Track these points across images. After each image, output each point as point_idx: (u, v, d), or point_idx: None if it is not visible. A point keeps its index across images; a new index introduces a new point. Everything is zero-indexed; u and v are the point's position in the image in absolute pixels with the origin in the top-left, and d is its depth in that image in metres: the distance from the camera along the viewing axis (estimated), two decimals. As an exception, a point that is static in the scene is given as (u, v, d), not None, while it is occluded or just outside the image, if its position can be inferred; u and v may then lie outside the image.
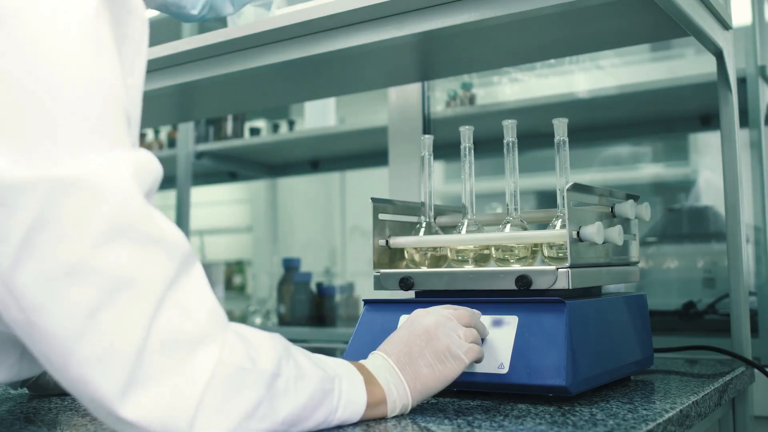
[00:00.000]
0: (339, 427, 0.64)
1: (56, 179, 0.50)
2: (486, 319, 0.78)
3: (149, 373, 0.51)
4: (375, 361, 0.69)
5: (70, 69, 0.52)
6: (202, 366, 0.53)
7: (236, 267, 3.15)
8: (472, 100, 1.95)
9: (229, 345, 0.55)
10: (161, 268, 0.52)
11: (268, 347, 0.59)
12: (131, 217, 0.52)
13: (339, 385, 0.63)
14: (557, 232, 0.82)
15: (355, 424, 0.65)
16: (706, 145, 2.04)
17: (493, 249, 0.87)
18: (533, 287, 0.78)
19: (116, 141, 0.53)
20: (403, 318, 0.83)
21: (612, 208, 0.89)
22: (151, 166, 0.55)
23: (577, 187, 0.80)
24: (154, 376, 0.51)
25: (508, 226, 0.87)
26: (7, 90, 0.51)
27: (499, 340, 0.76)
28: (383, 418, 0.67)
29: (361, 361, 0.69)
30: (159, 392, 0.51)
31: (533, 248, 0.85)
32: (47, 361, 0.51)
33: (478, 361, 0.73)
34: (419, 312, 0.74)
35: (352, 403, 0.64)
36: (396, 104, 1.56)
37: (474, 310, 0.76)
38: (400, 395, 0.67)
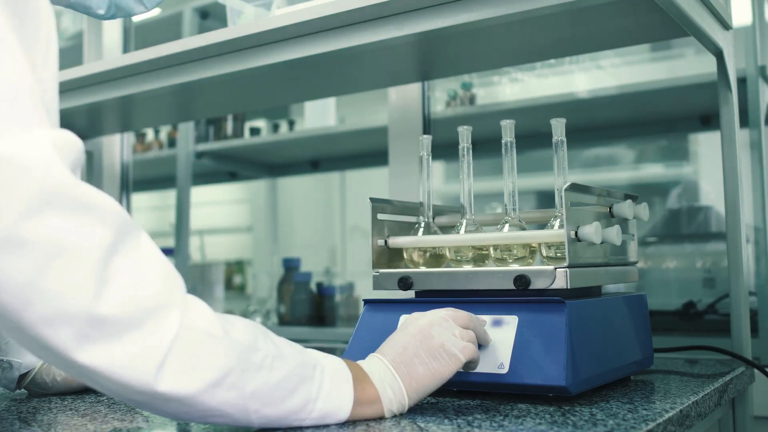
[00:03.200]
0: (322, 425, 0.63)
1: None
2: (486, 319, 0.78)
3: (105, 332, 0.52)
4: (371, 362, 0.70)
5: None
6: (165, 327, 0.54)
7: (236, 267, 3.15)
8: (472, 100, 1.95)
9: (194, 311, 0.56)
10: (97, 235, 0.53)
11: (243, 324, 0.60)
12: (58, 187, 0.52)
13: (321, 374, 0.63)
14: (555, 232, 0.82)
15: (351, 424, 0.65)
16: (707, 145, 2.04)
17: (491, 249, 0.87)
18: (531, 287, 0.78)
19: (34, 122, 0.54)
20: (403, 318, 0.83)
21: (610, 208, 0.89)
22: (73, 142, 0.55)
23: (575, 187, 0.80)
24: (112, 335, 0.52)
25: (507, 226, 0.87)
26: None
27: (499, 340, 0.76)
28: (381, 418, 0.67)
29: (358, 362, 0.69)
30: (119, 347, 0.52)
31: (531, 248, 0.86)
32: (3, 326, 0.52)
33: (473, 363, 0.73)
34: (415, 314, 0.74)
35: (335, 397, 0.64)
36: (396, 104, 1.56)
37: (477, 316, 0.76)
38: (395, 394, 0.67)
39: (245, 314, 2.31)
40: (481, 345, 0.76)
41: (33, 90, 0.55)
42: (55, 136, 0.54)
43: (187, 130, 2.34)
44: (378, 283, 0.89)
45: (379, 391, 0.67)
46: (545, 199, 2.08)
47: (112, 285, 0.53)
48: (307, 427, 0.63)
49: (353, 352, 0.84)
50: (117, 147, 1.90)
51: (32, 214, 0.51)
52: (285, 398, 0.60)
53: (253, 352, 0.59)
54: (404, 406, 0.68)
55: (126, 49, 1.92)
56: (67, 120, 0.79)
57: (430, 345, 0.70)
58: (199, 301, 0.58)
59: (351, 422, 0.66)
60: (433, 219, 0.96)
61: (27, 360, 0.86)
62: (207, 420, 0.59)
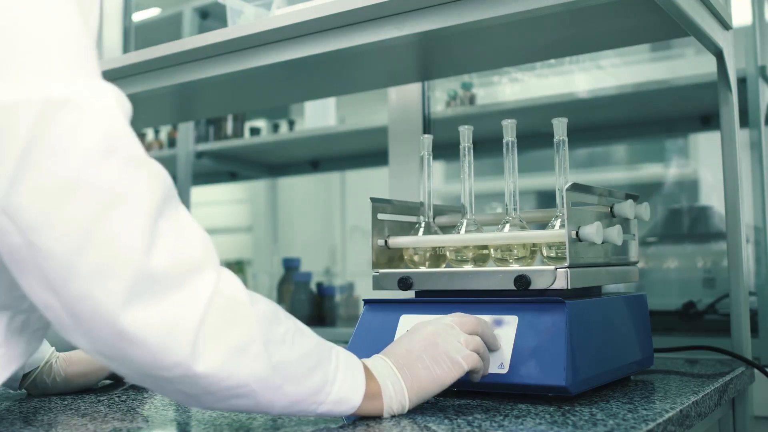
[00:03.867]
0: (331, 415, 0.63)
1: (47, 100, 0.51)
2: (485, 319, 0.78)
3: (151, 288, 0.52)
4: (374, 361, 0.70)
5: (57, 8, 0.55)
6: (201, 290, 0.54)
7: (236, 267, 3.15)
8: (472, 100, 1.95)
9: (225, 277, 0.57)
10: (152, 189, 0.54)
11: (264, 298, 0.61)
12: (120, 138, 0.53)
13: (336, 357, 0.64)
14: (556, 232, 0.82)
15: (351, 423, 0.65)
16: (707, 144, 2.04)
17: (492, 249, 0.87)
18: (532, 287, 0.78)
19: (98, 73, 0.56)
20: (403, 318, 0.83)
21: (611, 207, 0.89)
22: (126, 99, 0.57)
23: (576, 187, 0.80)
24: (156, 292, 0.52)
25: (507, 225, 0.87)
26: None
27: (500, 340, 0.76)
28: (379, 417, 0.67)
29: (361, 360, 0.69)
30: (161, 308, 0.52)
31: (532, 248, 0.85)
32: (45, 284, 0.52)
33: (477, 373, 0.72)
34: (422, 322, 0.74)
35: (349, 382, 0.64)
36: (396, 104, 1.56)
37: (485, 320, 0.75)
38: (396, 393, 0.67)
39: (245, 314, 2.31)
40: (490, 349, 0.75)
41: (93, 44, 0.57)
42: (116, 89, 0.56)
43: (187, 130, 2.34)
44: (378, 283, 0.89)
45: (381, 387, 0.67)
46: (546, 199, 2.08)
47: (159, 242, 0.53)
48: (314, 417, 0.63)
49: (353, 352, 0.84)
50: (117, 147, 1.89)
51: (96, 160, 0.52)
52: (306, 376, 0.60)
53: (277, 324, 0.59)
54: (404, 406, 0.68)
55: (126, 49, 1.92)
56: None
57: (434, 351, 0.70)
58: (228, 270, 0.58)
59: (350, 419, 0.66)
60: (434, 219, 0.95)
61: (30, 360, 0.86)
62: (229, 403, 0.58)
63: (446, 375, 0.69)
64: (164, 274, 0.53)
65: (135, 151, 0.54)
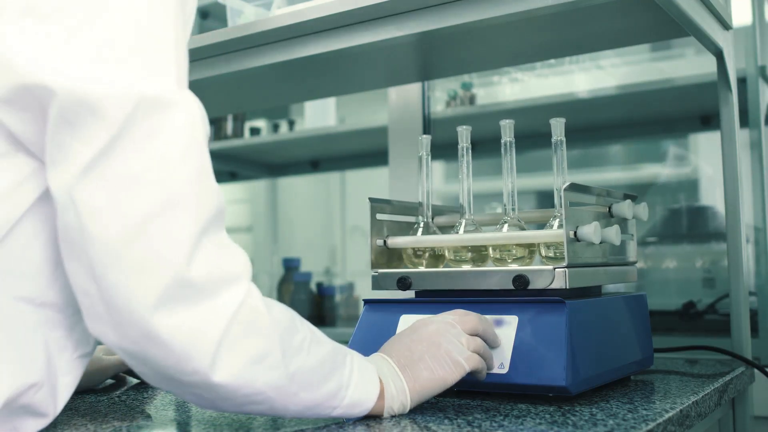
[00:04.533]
0: (346, 417, 0.64)
1: (144, 97, 0.54)
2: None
3: (185, 294, 0.53)
4: (376, 360, 0.70)
5: (168, 12, 0.59)
6: (230, 302, 0.55)
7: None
8: (472, 100, 1.95)
9: (253, 292, 0.58)
10: (209, 203, 0.56)
11: (280, 305, 0.62)
12: (196, 148, 0.57)
13: (351, 363, 0.64)
14: (554, 232, 0.82)
15: (352, 423, 0.65)
16: (707, 144, 2.04)
17: (490, 249, 0.87)
18: (530, 287, 0.78)
19: (187, 82, 0.59)
20: (403, 318, 0.83)
21: (609, 207, 0.89)
22: (206, 115, 0.60)
23: (574, 187, 0.80)
24: (189, 299, 0.54)
25: (506, 226, 0.87)
26: (112, 16, 0.56)
27: (499, 340, 0.76)
28: (379, 416, 0.67)
29: (369, 360, 0.69)
30: (190, 315, 0.54)
31: (531, 248, 0.85)
32: (88, 269, 0.53)
33: (479, 373, 0.72)
34: (423, 320, 0.74)
35: (363, 386, 0.64)
36: (396, 104, 1.56)
37: (486, 318, 0.76)
38: (398, 392, 0.67)
39: (245, 314, 2.31)
40: (491, 346, 0.75)
41: (187, 53, 0.60)
42: (198, 102, 0.58)
43: (187, 130, 2.33)
44: (377, 283, 0.89)
45: (384, 387, 0.67)
46: (545, 199, 2.08)
47: (201, 253, 0.55)
48: (330, 419, 0.64)
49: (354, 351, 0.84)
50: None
51: (171, 162, 0.55)
52: (321, 383, 0.61)
53: (294, 333, 0.60)
54: (405, 406, 0.68)
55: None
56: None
57: (436, 352, 0.70)
58: (252, 283, 0.60)
59: (349, 419, 0.66)
60: (433, 219, 0.96)
61: None
62: (244, 408, 0.59)
63: (448, 376, 0.69)
64: (200, 283, 0.54)
65: (206, 163, 0.57)
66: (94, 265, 0.53)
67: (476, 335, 0.73)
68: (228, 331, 0.55)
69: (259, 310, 0.58)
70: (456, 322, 0.73)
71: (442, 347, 0.70)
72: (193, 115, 0.57)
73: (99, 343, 0.63)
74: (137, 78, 0.55)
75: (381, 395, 0.66)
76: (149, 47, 0.57)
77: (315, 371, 0.61)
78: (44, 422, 0.61)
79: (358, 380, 0.64)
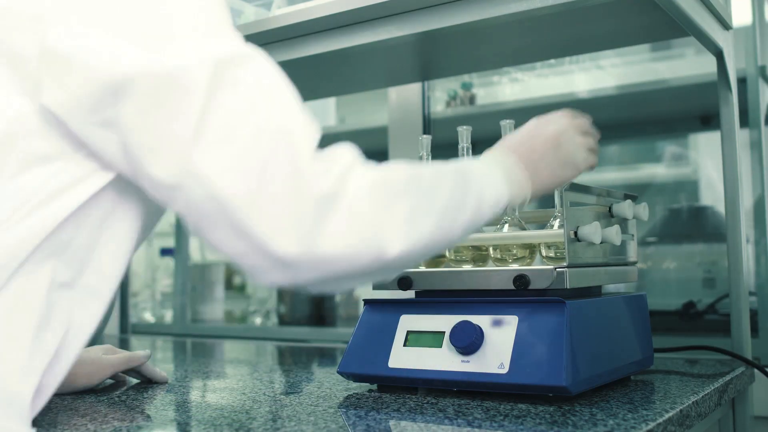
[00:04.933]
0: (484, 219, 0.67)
1: (218, 59, 0.56)
2: (485, 319, 0.78)
3: (329, 206, 0.55)
4: (499, 158, 0.72)
5: None
6: (361, 186, 0.57)
7: (236, 267, 3.15)
8: (472, 100, 1.94)
9: (367, 166, 0.60)
10: (311, 126, 0.59)
11: (393, 164, 0.63)
12: (282, 84, 0.59)
13: (471, 172, 0.67)
14: (555, 232, 0.82)
15: (354, 422, 0.65)
16: (707, 144, 2.04)
17: (491, 249, 0.87)
18: (531, 287, 0.78)
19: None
20: (403, 317, 0.83)
21: (610, 207, 0.89)
22: None
23: (574, 187, 0.80)
24: (334, 207, 0.55)
25: (506, 225, 0.87)
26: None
27: (499, 340, 0.76)
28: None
29: (481, 157, 0.72)
30: (342, 219, 0.55)
31: (531, 248, 0.85)
32: (235, 230, 0.54)
33: (593, 167, 0.78)
34: (541, 120, 0.77)
35: (493, 183, 0.67)
36: (396, 104, 1.56)
37: (586, 120, 0.79)
38: (522, 189, 0.70)
39: (245, 314, 2.31)
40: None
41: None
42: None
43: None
44: (378, 283, 0.89)
45: (509, 188, 0.69)
46: (545, 198, 2.08)
47: (323, 165, 0.57)
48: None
49: (353, 352, 0.84)
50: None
51: (266, 104, 0.57)
52: (464, 202, 0.64)
53: (419, 177, 0.62)
54: (526, 200, 0.72)
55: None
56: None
57: (558, 154, 0.74)
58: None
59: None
60: (433, 219, 0.95)
61: None
62: (422, 260, 0.64)
63: (566, 176, 0.75)
64: (332, 189, 0.56)
65: (294, 95, 0.59)
66: (240, 225, 0.54)
67: (588, 135, 0.77)
68: (377, 211, 0.57)
69: (384, 176, 0.60)
70: (572, 126, 0.76)
71: (563, 148, 0.74)
72: (265, 59, 0.59)
73: (93, 342, 0.63)
74: (207, 44, 0.57)
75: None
76: (209, 19, 0.59)
77: (456, 197, 0.63)
78: None
79: (489, 184, 0.67)
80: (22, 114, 0.57)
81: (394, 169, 0.62)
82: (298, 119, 0.58)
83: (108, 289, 0.62)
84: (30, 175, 0.57)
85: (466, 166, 0.68)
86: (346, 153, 0.59)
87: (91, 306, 0.61)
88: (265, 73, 0.58)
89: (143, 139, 0.55)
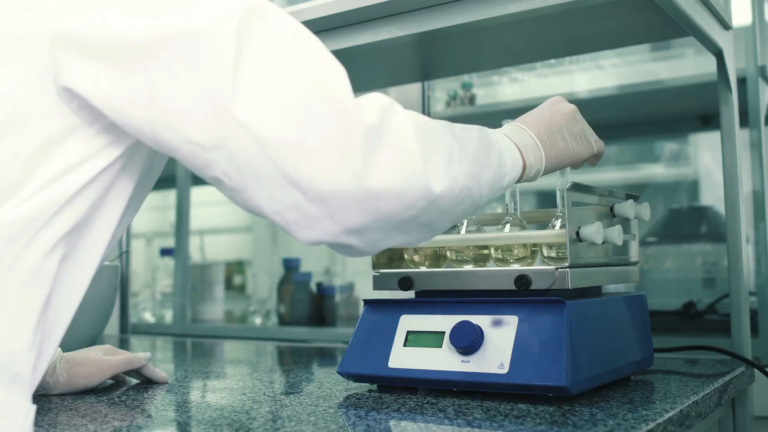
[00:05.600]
0: (504, 186, 0.69)
1: (242, 8, 0.56)
2: (486, 319, 0.78)
3: (374, 143, 0.56)
4: (515, 131, 0.73)
5: None
6: (404, 126, 0.58)
7: (236, 267, 3.14)
8: (472, 99, 1.94)
9: (404, 109, 0.61)
10: (340, 66, 0.59)
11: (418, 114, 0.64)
12: (306, 30, 0.59)
13: (494, 135, 0.69)
14: (556, 232, 0.82)
15: (354, 422, 0.65)
16: (707, 144, 2.04)
17: (492, 249, 0.87)
18: (533, 287, 0.78)
19: None
20: (404, 318, 0.83)
21: (612, 207, 0.89)
22: None
23: (576, 187, 0.80)
24: (379, 145, 0.56)
25: (508, 225, 0.87)
26: None
27: (500, 340, 0.76)
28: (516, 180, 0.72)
29: (498, 130, 0.73)
30: (387, 156, 0.56)
31: (533, 248, 0.86)
32: (286, 179, 0.54)
33: (600, 156, 0.82)
34: (556, 98, 0.80)
35: (510, 149, 0.69)
36: (396, 104, 1.56)
37: None
38: (536, 162, 0.73)
39: (245, 314, 2.32)
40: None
41: None
42: None
43: (187, 131, 2.33)
44: (378, 283, 0.89)
45: (524, 158, 0.72)
46: (546, 198, 2.08)
47: (361, 102, 0.58)
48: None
49: (353, 352, 0.84)
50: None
51: (295, 48, 0.57)
52: (489, 158, 0.65)
53: (451, 126, 0.64)
54: (540, 172, 0.74)
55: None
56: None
57: (573, 128, 0.77)
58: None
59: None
60: (434, 219, 0.95)
61: None
62: (455, 214, 0.63)
63: (581, 152, 0.77)
64: (377, 124, 0.56)
65: (318, 41, 0.59)
66: (289, 171, 0.54)
67: None
68: (420, 149, 0.57)
69: (421, 118, 0.61)
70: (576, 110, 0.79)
71: (579, 124, 0.78)
72: (284, 12, 0.59)
73: (93, 342, 0.62)
74: (225, 1, 0.56)
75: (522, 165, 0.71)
76: None
77: (482, 149, 0.65)
78: None
79: (505, 147, 0.69)
80: (35, 95, 0.56)
81: (428, 118, 0.63)
82: (330, 61, 0.58)
83: (95, 261, 0.62)
84: (44, 154, 0.57)
85: (486, 130, 0.70)
86: (383, 96, 0.60)
87: (79, 278, 0.61)
88: (287, 22, 0.58)
89: (177, 103, 0.55)
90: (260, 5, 0.57)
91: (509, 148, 0.70)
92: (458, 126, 0.66)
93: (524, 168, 0.72)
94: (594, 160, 0.82)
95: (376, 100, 0.60)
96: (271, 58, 0.55)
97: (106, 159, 0.59)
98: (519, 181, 0.72)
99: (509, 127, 0.75)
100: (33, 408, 0.57)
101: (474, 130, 0.67)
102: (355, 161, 0.54)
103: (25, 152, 0.56)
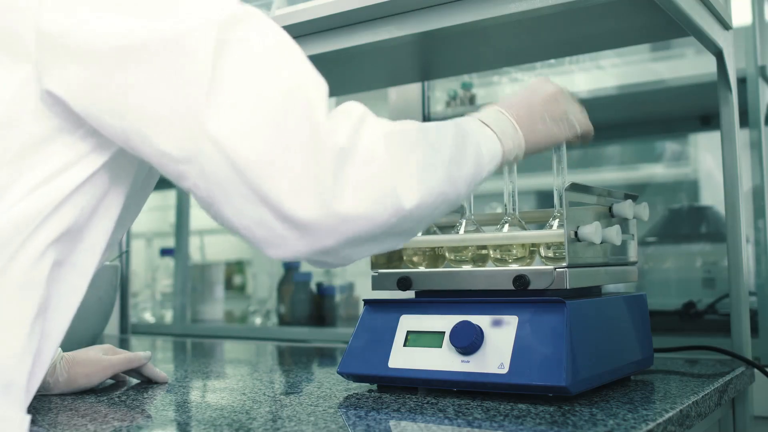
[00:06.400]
0: (483, 176, 0.68)
1: (220, 20, 0.55)
2: (486, 319, 0.78)
3: (346, 163, 0.55)
4: (495, 116, 0.72)
5: None
6: (375, 140, 0.57)
7: (236, 267, 3.15)
8: (472, 99, 1.94)
9: (378, 119, 0.60)
10: (321, 80, 0.58)
11: (398, 122, 0.63)
12: (288, 40, 0.58)
13: (467, 127, 0.68)
14: (555, 232, 0.82)
15: (354, 422, 0.65)
16: (707, 144, 2.04)
17: (490, 249, 0.87)
18: (531, 287, 0.78)
19: None
20: (403, 317, 0.83)
21: (610, 207, 0.89)
22: None
23: (575, 187, 0.80)
24: (349, 164, 0.55)
25: (506, 225, 0.87)
26: None
27: (499, 340, 0.76)
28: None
29: (474, 115, 0.72)
30: (358, 175, 0.55)
31: (531, 248, 0.86)
32: (256, 197, 0.54)
33: (588, 135, 0.80)
34: (540, 80, 0.79)
35: (488, 138, 0.68)
36: (396, 104, 1.56)
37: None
38: (515, 147, 0.72)
39: (245, 314, 2.32)
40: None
41: None
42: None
43: (187, 130, 2.33)
44: (377, 283, 0.89)
45: (502, 145, 0.70)
46: (545, 198, 2.08)
47: (332, 123, 0.57)
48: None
49: (353, 352, 0.85)
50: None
51: (275, 60, 0.57)
52: (465, 155, 0.64)
53: (427, 130, 0.63)
54: (519, 156, 0.73)
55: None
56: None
57: (554, 110, 0.75)
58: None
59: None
60: (433, 219, 0.95)
61: None
62: (433, 217, 0.62)
63: (560, 134, 0.76)
64: (348, 145, 0.55)
65: (299, 50, 0.59)
66: (257, 187, 0.53)
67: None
68: (392, 165, 0.57)
69: (395, 127, 0.60)
70: (568, 91, 0.78)
71: (560, 106, 0.76)
72: (267, 18, 0.58)
73: (93, 341, 0.62)
74: (206, 7, 0.55)
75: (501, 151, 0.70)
76: None
77: (459, 148, 0.64)
78: None
79: (483, 136, 0.68)
80: (21, 96, 0.56)
81: (403, 123, 0.63)
82: (307, 75, 0.57)
83: (92, 266, 0.62)
84: (30, 157, 0.56)
85: (463, 122, 0.69)
86: (357, 106, 0.59)
87: (76, 283, 0.61)
88: (268, 31, 0.57)
89: (152, 112, 0.54)
90: (242, 12, 0.57)
91: (487, 138, 0.69)
92: (432, 127, 0.64)
93: (503, 155, 0.71)
94: (580, 140, 0.80)
95: (349, 112, 0.58)
96: (248, 71, 0.55)
97: (92, 164, 0.58)
98: (498, 166, 0.72)
99: (488, 111, 0.73)
100: (27, 418, 0.56)
101: (450, 127, 0.66)
102: (323, 186, 0.54)
103: (10, 154, 0.56)
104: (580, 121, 0.78)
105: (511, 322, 0.77)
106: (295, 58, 0.58)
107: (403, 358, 0.81)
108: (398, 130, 0.60)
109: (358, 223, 0.55)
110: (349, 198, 0.55)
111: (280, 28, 0.59)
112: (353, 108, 0.59)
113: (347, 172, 0.55)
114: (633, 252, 0.95)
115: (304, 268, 2.20)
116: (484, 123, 0.70)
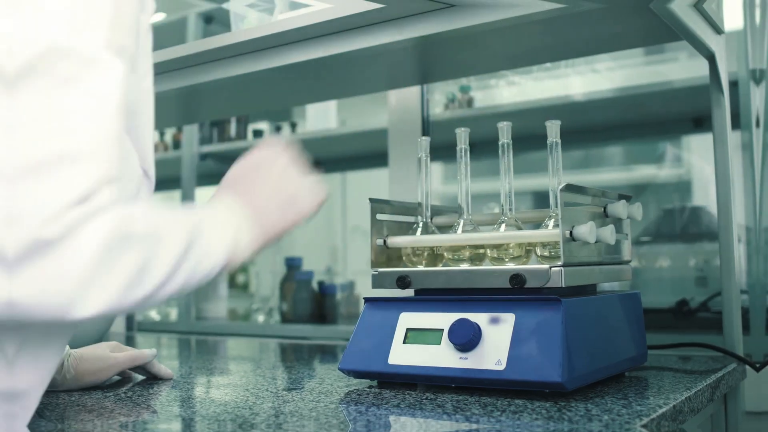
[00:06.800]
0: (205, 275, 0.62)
1: (59, 47, 0.51)
2: (484, 317, 0.79)
3: (43, 251, 0.50)
4: (225, 212, 0.66)
5: None
6: (89, 243, 0.51)
7: (239, 266, 3.16)
8: (470, 102, 1.96)
9: (139, 218, 0.55)
10: (109, 165, 0.53)
11: (143, 208, 0.57)
12: (108, 111, 0.53)
13: (206, 237, 0.61)
14: (550, 232, 0.83)
15: (354, 418, 0.66)
16: (700, 146, 2.05)
17: (487, 248, 0.88)
18: (527, 285, 0.79)
19: (128, 52, 0.57)
20: (403, 315, 0.84)
21: (605, 208, 0.90)
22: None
23: (570, 188, 0.81)
24: (49, 251, 0.50)
25: (503, 225, 0.88)
26: None
27: (497, 338, 0.77)
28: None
29: (222, 210, 0.66)
30: (43, 269, 0.50)
31: (527, 247, 0.87)
32: None
33: (323, 202, 0.73)
34: (265, 155, 0.72)
35: (216, 255, 0.62)
36: (396, 107, 1.57)
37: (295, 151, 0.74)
38: (251, 243, 0.66)
39: (248, 312, 2.33)
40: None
41: (132, 27, 0.58)
42: (124, 72, 0.56)
43: (191, 132, 2.35)
44: (377, 282, 0.90)
45: (236, 245, 0.64)
46: (541, 199, 2.09)
47: (70, 215, 0.51)
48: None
49: (354, 349, 0.86)
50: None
51: (77, 116, 0.52)
52: (189, 269, 0.58)
53: (162, 239, 0.56)
54: (254, 251, 0.67)
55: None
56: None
57: (286, 190, 0.70)
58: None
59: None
60: (432, 219, 0.97)
61: None
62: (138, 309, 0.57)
63: (296, 216, 0.70)
64: (54, 240, 0.50)
65: (113, 129, 0.53)
66: None
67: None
68: (92, 272, 0.51)
69: (147, 228, 0.55)
70: (291, 160, 0.72)
71: (292, 183, 0.70)
72: (111, 79, 0.53)
73: (100, 339, 0.62)
74: (55, 29, 0.51)
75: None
76: (79, 5, 0.53)
77: (180, 261, 0.57)
78: None
79: (213, 248, 0.61)
80: None
81: (162, 218, 0.57)
82: (102, 151, 0.52)
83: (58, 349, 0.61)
84: None
85: (204, 226, 0.62)
86: (106, 195, 0.52)
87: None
88: (95, 89, 0.52)
89: None
90: (86, 55, 0.52)
91: (216, 256, 0.62)
92: (179, 227, 0.58)
93: (228, 263, 0.64)
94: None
95: (88, 203, 0.51)
96: (39, 114, 0.50)
97: None
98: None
99: (224, 211, 0.66)
100: None
101: (187, 231, 0.59)
102: (6, 263, 0.49)
103: None
104: (316, 195, 0.72)
105: (508, 319, 0.78)
106: (98, 132, 0.52)
107: (402, 354, 0.82)
108: (141, 234, 0.54)
109: (17, 309, 0.50)
110: (18, 284, 0.49)
111: (115, 97, 0.54)
112: (102, 196, 0.52)
113: (33, 263, 0.49)
114: (627, 251, 0.96)
115: (306, 266, 2.22)
116: (224, 224, 0.64)
